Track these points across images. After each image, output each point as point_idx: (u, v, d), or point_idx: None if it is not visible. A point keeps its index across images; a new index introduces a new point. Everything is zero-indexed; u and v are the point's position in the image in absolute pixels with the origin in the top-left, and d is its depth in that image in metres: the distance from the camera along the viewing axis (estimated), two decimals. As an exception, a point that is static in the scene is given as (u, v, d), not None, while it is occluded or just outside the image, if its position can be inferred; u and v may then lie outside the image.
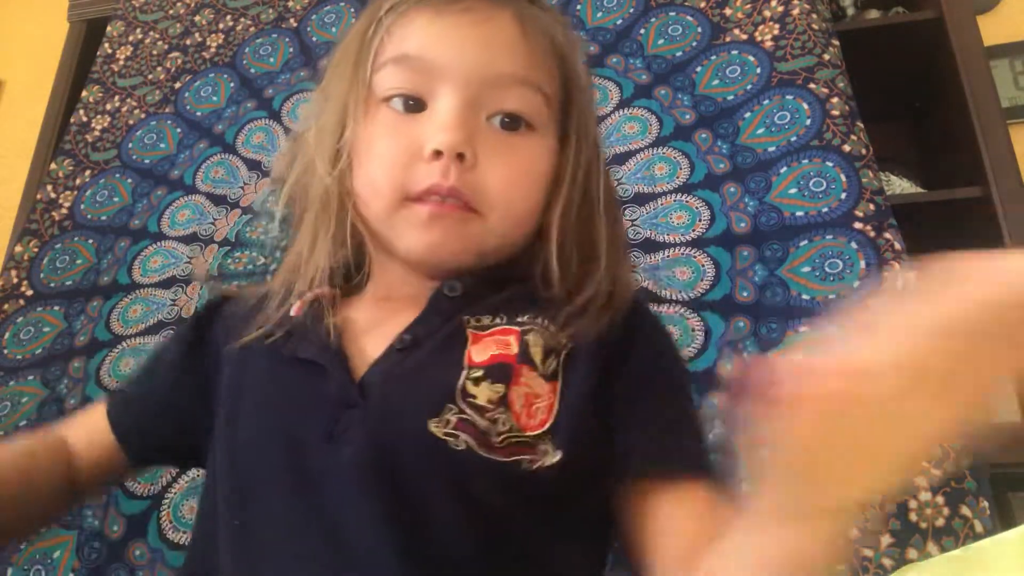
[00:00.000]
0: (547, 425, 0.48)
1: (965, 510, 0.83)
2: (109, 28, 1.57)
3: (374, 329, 0.55)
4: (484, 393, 0.48)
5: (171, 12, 1.54)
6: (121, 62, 1.51)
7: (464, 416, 0.47)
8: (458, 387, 0.48)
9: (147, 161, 1.37)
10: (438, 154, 0.52)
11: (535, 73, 0.55)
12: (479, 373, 0.49)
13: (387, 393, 0.50)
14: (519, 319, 0.53)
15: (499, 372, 0.49)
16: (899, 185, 1.39)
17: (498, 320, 0.53)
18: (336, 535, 0.45)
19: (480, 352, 0.51)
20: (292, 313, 0.56)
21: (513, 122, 0.55)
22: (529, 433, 0.48)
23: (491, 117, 0.54)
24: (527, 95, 0.55)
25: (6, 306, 1.28)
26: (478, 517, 0.46)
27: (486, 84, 0.54)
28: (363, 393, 0.50)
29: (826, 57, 1.14)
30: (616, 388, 0.51)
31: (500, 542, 0.46)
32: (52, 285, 1.28)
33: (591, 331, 0.52)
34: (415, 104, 0.54)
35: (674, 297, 1.03)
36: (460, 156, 0.52)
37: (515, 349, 0.51)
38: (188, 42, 1.48)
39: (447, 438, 0.46)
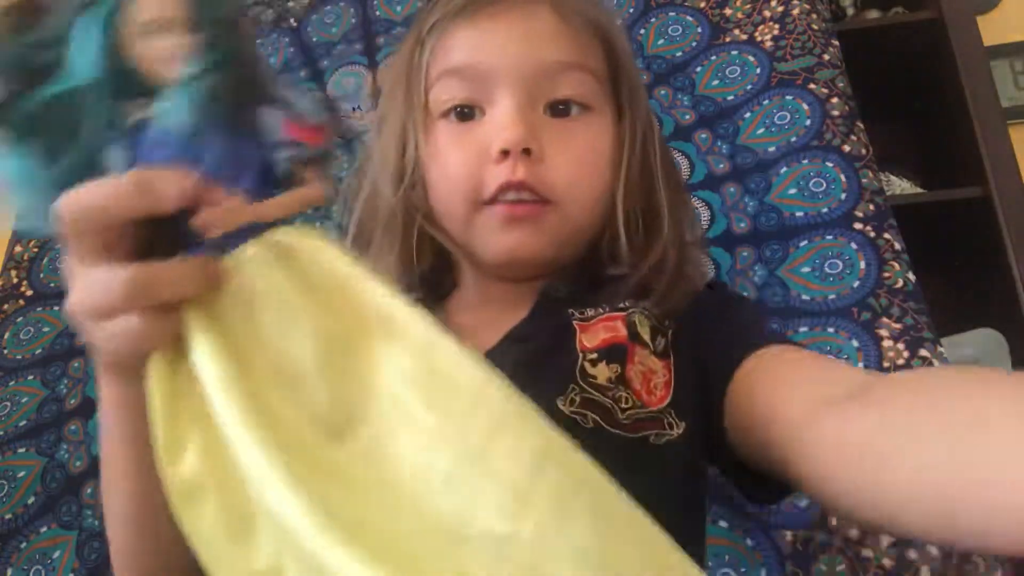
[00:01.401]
0: (667, 400, 0.50)
1: (965, 510, 0.83)
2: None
3: (481, 330, 0.56)
4: (603, 373, 0.50)
5: (171, 12, 1.54)
6: (121, 62, 1.51)
7: (588, 395, 0.48)
8: (577, 368, 0.50)
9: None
10: (505, 153, 0.53)
11: (580, 55, 0.57)
12: (595, 355, 0.51)
13: (511, 374, 0.51)
14: (620, 305, 0.55)
15: (614, 353, 0.51)
16: (899, 185, 1.39)
17: (600, 310, 0.55)
18: None
19: (591, 339, 0.52)
20: None
21: (568, 107, 0.56)
22: (652, 408, 0.49)
23: (547, 107, 0.56)
24: (577, 78, 0.56)
25: (6, 306, 1.28)
26: None
27: (536, 77, 0.55)
28: None
29: (826, 57, 1.14)
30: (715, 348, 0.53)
31: None
32: (52, 285, 1.28)
33: (682, 306, 0.56)
34: (473, 112, 0.56)
35: (674, 297, 1.03)
36: (526, 151, 0.53)
37: (624, 331, 0.52)
38: (188, 42, 1.48)
39: (575, 416, 0.47)
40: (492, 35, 0.56)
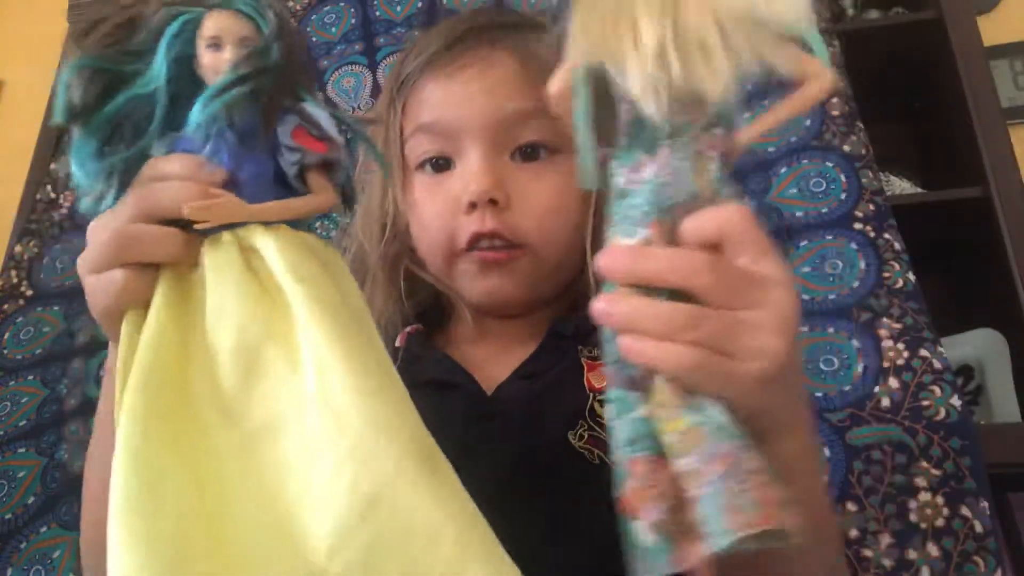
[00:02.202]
0: None
1: (965, 510, 0.83)
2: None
3: (489, 363, 0.58)
4: None
5: (171, 12, 1.54)
6: (121, 62, 1.51)
7: (595, 433, 0.50)
8: (588, 407, 0.52)
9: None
10: (473, 205, 0.56)
11: (541, 99, 0.57)
12: (603, 397, 0.52)
13: (523, 408, 0.53)
14: None
15: None
16: (899, 185, 1.39)
17: None
18: None
19: (599, 379, 0.54)
20: (397, 344, 0.60)
21: (535, 151, 0.58)
22: None
23: (517, 152, 0.58)
24: (540, 123, 0.58)
25: (6, 306, 1.28)
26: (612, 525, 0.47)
27: (500, 127, 0.57)
28: (498, 408, 0.53)
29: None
30: None
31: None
32: (52, 285, 1.28)
33: None
34: (445, 163, 0.59)
35: (674, 297, 1.03)
36: (492, 201, 0.56)
37: None
38: (188, 42, 1.49)
39: (583, 451, 0.49)
40: (456, 89, 0.59)
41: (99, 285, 0.37)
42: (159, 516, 0.30)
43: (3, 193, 1.76)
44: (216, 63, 0.37)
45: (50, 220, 1.36)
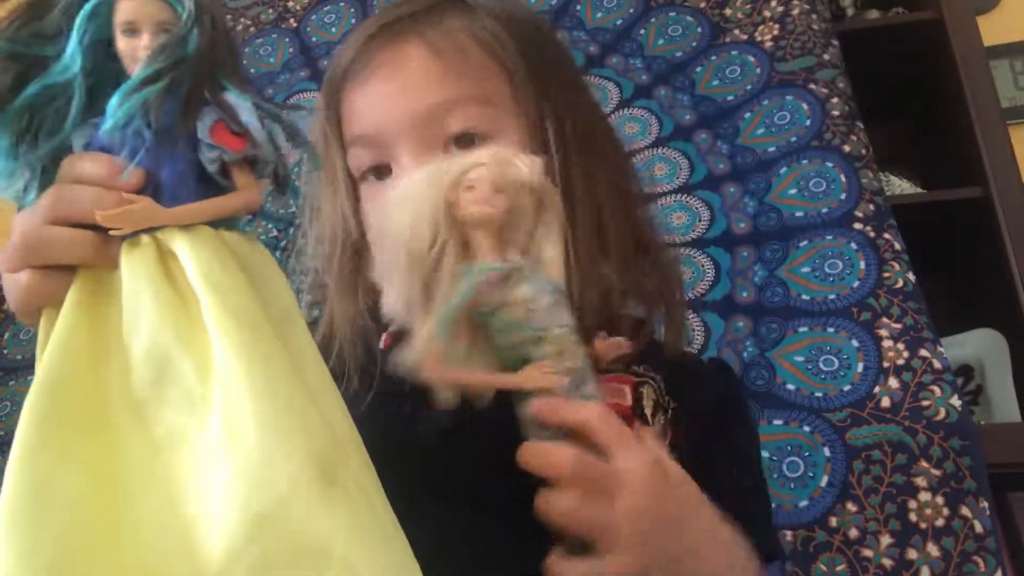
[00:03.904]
0: None
1: (965, 510, 0.83)
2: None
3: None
4: None
5: (171, 12, 1.54)
6: (121, 62, 1.51)
7: None
8: None
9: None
10: None
11: (460, 87, 0.55)
12: None
13: (503, 407, 0.51)
14: (634, 367, 0.53)
15: None
16: (899, 185, 1.39)
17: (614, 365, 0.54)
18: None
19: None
20: (382, 346, 0.58)
21: (468, 140, 0.55)
22: None
23: (452, 142, 0.55)
24: (463, 111, 0.55)
25: (6, 306, 1.28)
26: None
27: (422, 124, 0.55)
28: (475, 408, 0.52)
29: (826, 57, 1.14)
30: (716, 462, 0.53)
31: None
32: (52, 285, 1.28)
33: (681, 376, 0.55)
34: (386, 170, 0.57)
35: (674, 297, 1.03)
36: None
37: (629, 400, 0.52)
38: (188, 42, 1.49)
39: None
40: (374, 94, 0.57)
41: (10, 285, 0.36)
42: (44, 518, 0.29)
43: (3, 193, 1.76)
44: (132, 49, 0.35)
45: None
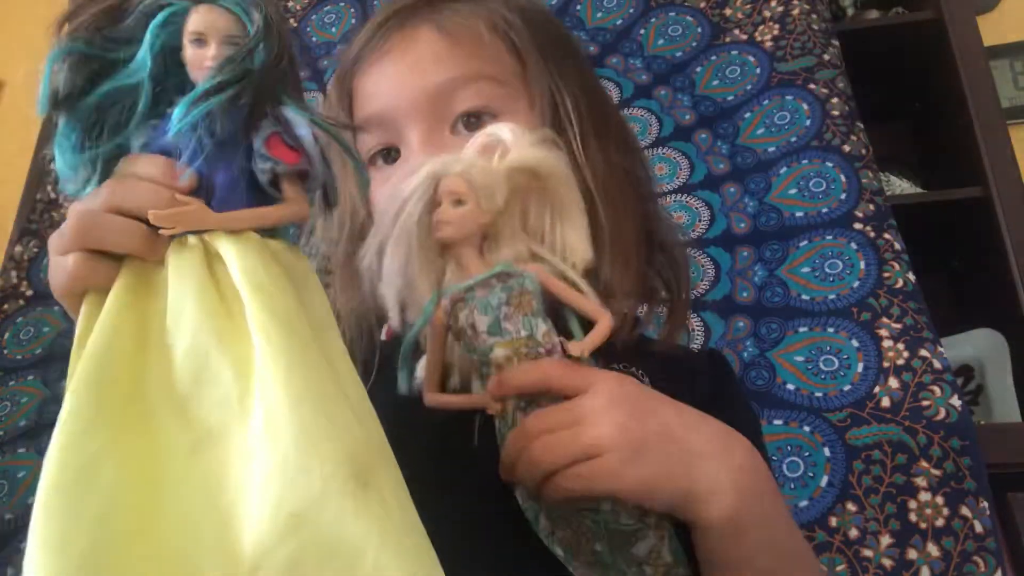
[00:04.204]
0: None
1: (965, 510, 0.83)
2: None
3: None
4: None
5: (171, 12, 1.54)
6: (121, 62, 1.51)
7: None
8: None
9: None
10: None
11: (468, 66, 0.56)
12: None
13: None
14: (614, 366, 0.52)
15: None
16: (899, 185, 1.39)
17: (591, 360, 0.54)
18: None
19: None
20: (384, 338, 0.58)
21: (477, 118, 0.55)
22: None
23: (455, 126, 0.55)
24: (473, 89, 0.55)
25: (6, 306, 1.28)
26: None
27: (431, 103, 0.55)
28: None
29: (826, 57, 1.14)
30: None
31: None
32: (52, 285, 1.28)
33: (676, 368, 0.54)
34: (395, 153, 0.57)
35: (674, 297, 1.03)
36: None
37: None
38: (188, 42, 1.49)
39: None
40: (385, 74, 0.57)
41: (55, 267, 0.37)
42: (84, 505, 0.30)
43: (3, 193, 1.76)
44: (199, 59, 0.36)
45: (50, 220, 1.36)
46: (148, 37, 0.37)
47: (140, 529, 0.30)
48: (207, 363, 0.33)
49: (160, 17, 0.37)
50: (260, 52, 0.36)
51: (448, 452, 0.48)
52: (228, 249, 0.35)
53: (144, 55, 0.37)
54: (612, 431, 0.39)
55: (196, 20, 0.36)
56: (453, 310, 0.42)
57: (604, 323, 0.43)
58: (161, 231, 0.35)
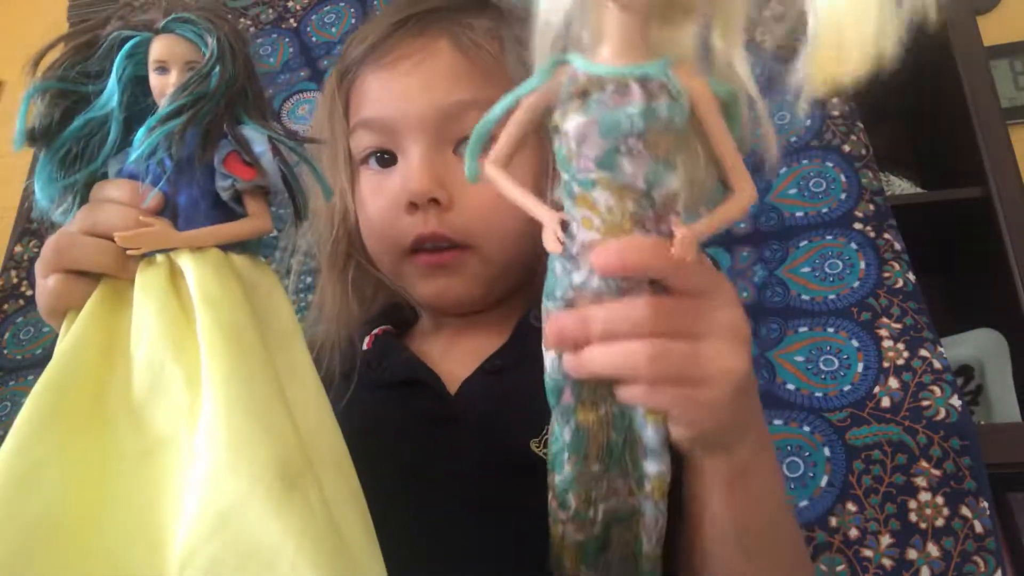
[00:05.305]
0: None
1: (965, 510, 0.83)
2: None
3: (451, 358, 0.56)
4: None
5: (171, 12, 1.54)
6: (121, 62, 1.51)
7: None
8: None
9: (147, 161, 1.37)
10: (413, 205, 0.54)
11: (482, 89, 0.55)
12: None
13: (487, 411, 0.51)
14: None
15: None
16: (899, 185, 1.39)
17: None
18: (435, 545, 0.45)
19: None
20: (364, 347, 0.58)
21: None
22: None
23: (458, 147, 0.55)
24: (482, 114, 0.55)
25: (6, 306, 1.28)
26: None
27: (440, 121, 0.55)
28: (460, 409, 0.51)
29: (826, 57, 1.14)
30: None
31: None
32: (52, 285, 1.28)
33: None
34: (390, 157, 0.57)
35: (674, 297, 1.03)
36: (435, 201, 0.53)
37: None
38: (188, 42, 1.49)
39: (545, 458, 0.47)
40: (393, 83, 0.56)
41: (42, 288, 0.40)
42: (21, 508, 0.31)
43: (3, 193, 1.76)
44: (163, 86, 0.39)
45: (50, 220, 1.36)
46: (115, 69, 0.39)
47: (79, 531, 0.31)
48: (162, 373, 0.35)
49: (125, 48, 0.39)
50: (215, 75, 0.38)
51: (428, 454, 0.49)
52: (188, 265, 0.37)
53: (112, 86, 0.39)
54: (738, 366, 0.35)
55: (157, 49, 0.39)
56: (565, 104, 0.31)
57: (743, 198, 0.33)
58: (128, 252, 0.37)
